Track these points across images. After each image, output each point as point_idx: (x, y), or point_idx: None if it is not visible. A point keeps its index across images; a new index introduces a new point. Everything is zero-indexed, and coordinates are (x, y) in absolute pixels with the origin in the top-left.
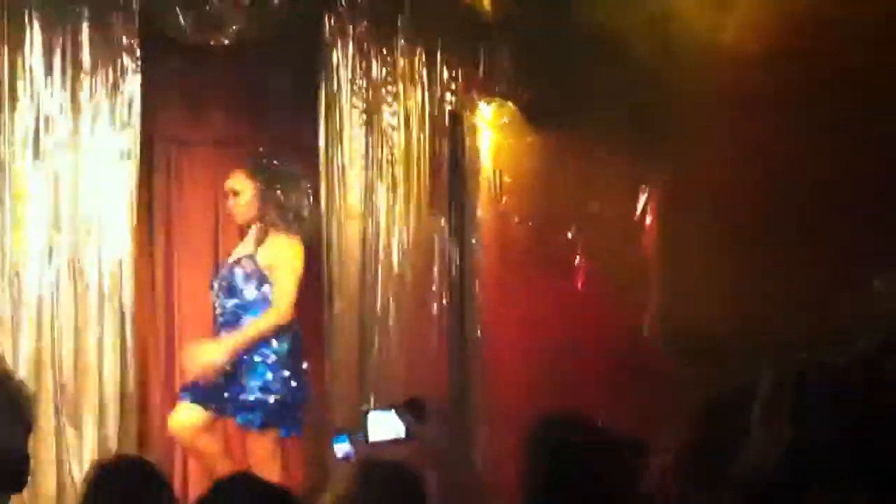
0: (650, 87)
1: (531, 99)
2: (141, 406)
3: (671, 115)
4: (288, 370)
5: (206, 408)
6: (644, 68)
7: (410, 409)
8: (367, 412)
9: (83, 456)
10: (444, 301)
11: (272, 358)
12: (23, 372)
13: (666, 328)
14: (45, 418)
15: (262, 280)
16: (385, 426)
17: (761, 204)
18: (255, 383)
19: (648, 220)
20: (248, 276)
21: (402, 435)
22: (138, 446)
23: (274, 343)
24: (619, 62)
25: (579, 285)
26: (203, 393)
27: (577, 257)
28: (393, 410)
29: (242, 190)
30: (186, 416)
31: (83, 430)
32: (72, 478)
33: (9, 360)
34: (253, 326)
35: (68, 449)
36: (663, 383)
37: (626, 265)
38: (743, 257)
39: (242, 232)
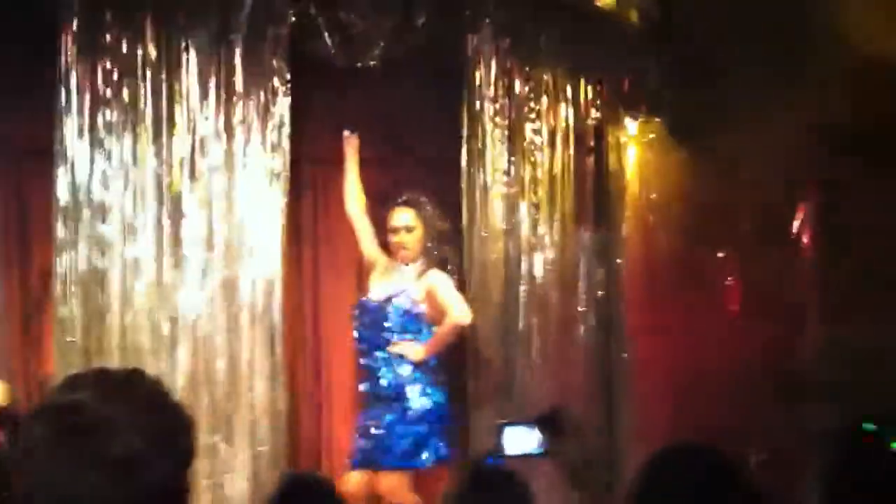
0: (805, 102)
1: (678, 115)
2: (291, 423)
3: (827, 131)
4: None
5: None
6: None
7: (548, 423)
8: (503, 425)
9: (236, 473)
10: (591, 321)
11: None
12: (179, 390)
13: (822, 352)
14: (201, 436)
15: (416, 312)
16: (522, 440)
17: None
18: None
19: (805, 239)
20: (405, 310)
21: (539, 449)
22: (288, 463)
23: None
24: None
25: (730, 306)
26: (368, 454)
27: (729, 277)
28: (530, 425)
29: (416, 226)
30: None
31: (236, 447)
32: (225, 494)
33: (166, 377)
34: (443, 329)
35: (222, 465)
36: (816, 408)
37: (781, 286)
38: None
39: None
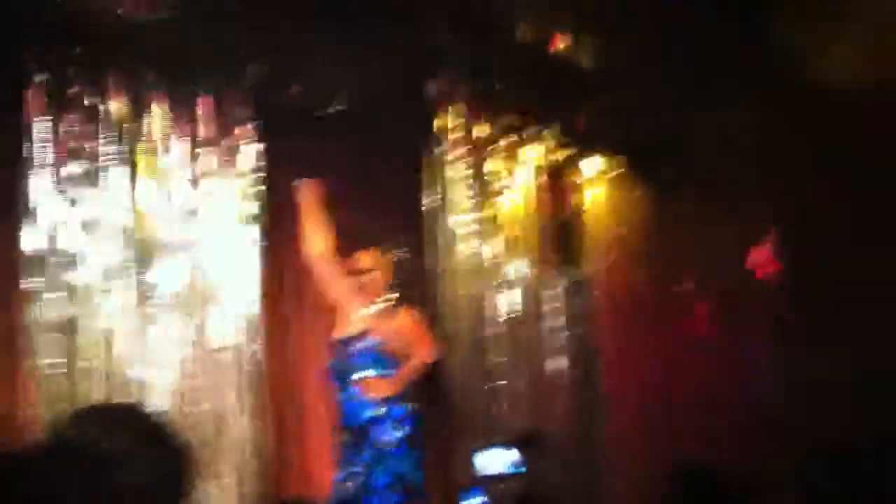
0: (764, 133)
1: (639, 151)
2: (276, 462)
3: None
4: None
5: None
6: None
7: (528, 444)
8: (485, 446)
9: None
10: (561, 355)
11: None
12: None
13: (790, 379)
14: None
15: (384, 350)
16: (502, 460)
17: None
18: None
19: (770, 268)
20: (373, 348)
21: (519, 468)
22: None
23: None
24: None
25: (698, 336)
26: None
27: (696, 308)
28: (510, 446)
29: (377, 267)
30: None
31: (223, 488)
32: None
33: None
34: (409, 366)
35: None
36: (785, 437)
37: (748, 315)
38: (870, 307)
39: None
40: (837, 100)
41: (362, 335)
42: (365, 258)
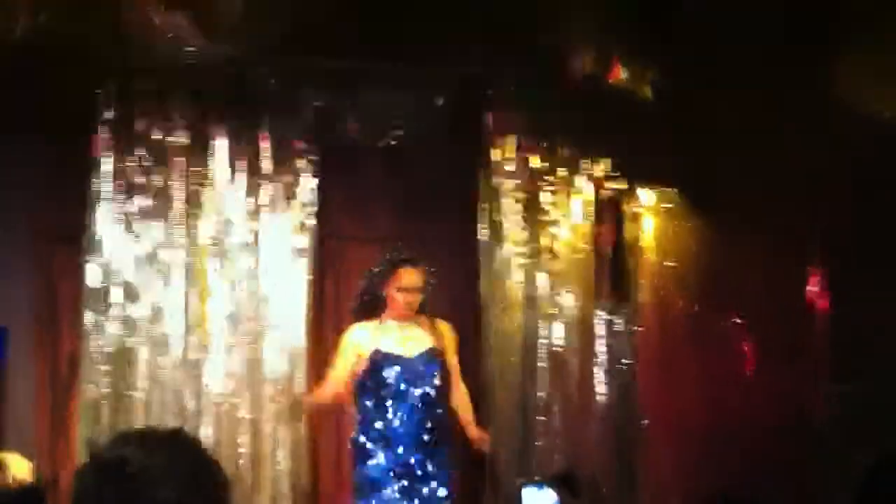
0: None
1: (691, 184)
2: (314, 496)
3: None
4: None
5: None
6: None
7: (565, 483)
8: (521, 485)
9: None
10: (607, 389)
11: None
12: None
13: (836, 415)
14: None
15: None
16: (539, 500)
17: None
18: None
19: (818, 303)
20: (436, 363)
21: None
22: None
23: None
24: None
25: (747, 371)
26: None
27: (745, 343)
28: (547, 484)
29: (423, 287)
30: None
31: None
32: None
33: None
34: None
35: None
36: (832, 472)
37: (797, 350)
38: None
39: None
40: (888, 133)
41: (431, 351)
42: (412, 277)
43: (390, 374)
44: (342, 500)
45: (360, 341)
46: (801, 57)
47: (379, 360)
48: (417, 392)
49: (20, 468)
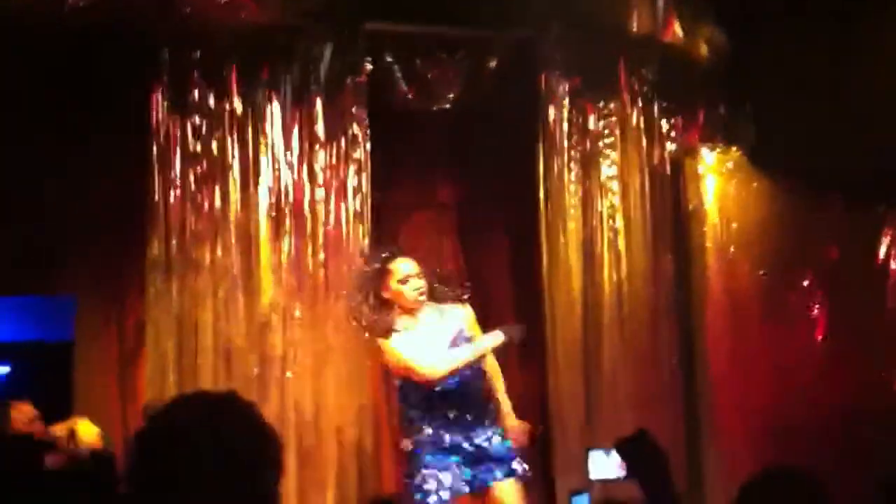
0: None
1: (756, 143)
2: (377, 465)
3: None
4: None
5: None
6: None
7: (633, 446)
8: (587, 450)
9: None
10: (673, 354)
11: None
12: None
13: None
14: (289, 478)
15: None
16: (607, 465)
17: None
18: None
19: (893, 266)
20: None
21: (622, 475)
22: None
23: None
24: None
25: (818, 337)
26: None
27: (815, 307)
28: (615, 450)
29: (419, 271)
30: None
31: (324, 488)
32: None
33: None
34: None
35: None
36: None
37: (869, 315)
38: None
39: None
40: None
41: (461, 332)
42: (406, 264)
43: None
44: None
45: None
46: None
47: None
48: (457, 380)
49: (89, 434)
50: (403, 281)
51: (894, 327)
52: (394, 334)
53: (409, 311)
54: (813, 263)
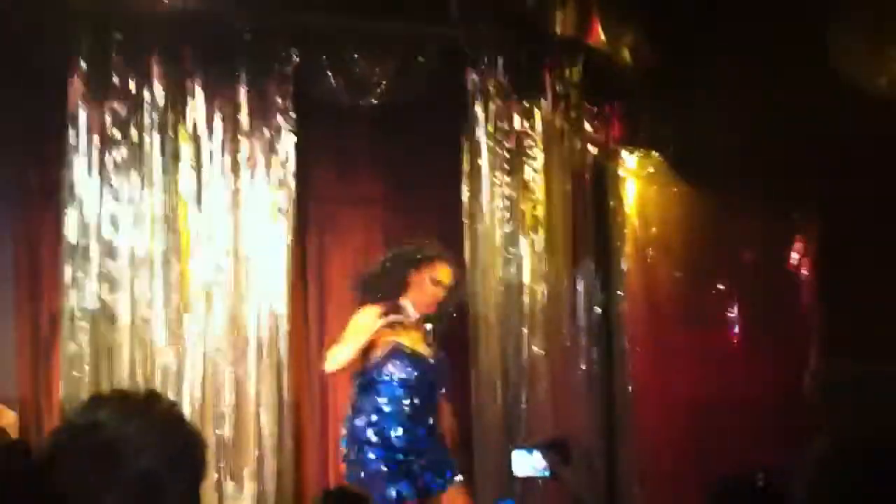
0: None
1: (675, 149)
2: (297, 459)
3: (825, 162)
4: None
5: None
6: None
7: (555, 449)
8: (511, 448)
9: None
10: (593, 354)
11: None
12: None
13: (826, 385)
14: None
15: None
16: (529, 463)
17: None
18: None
19: (804, 270)
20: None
21: (546, 473)
22: (295, 500)
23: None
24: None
25: (732, 338)
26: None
27: (730, 310)
28: (537, 449)
29: (449, 285)
30: None
31: (243, 483)
32: None
33: None
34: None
35: (229, 502)
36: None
37: (783, 317)
38: None
39: None
40: (884, 98)
41: (442, 359)
42: (447, 272)
43: (410, 373)
44: (325, 463)
45: (359, 323)
46: (801, 23)
47: (399, 356)
48: (429, 398)
49: (6, 420)
50: (436, 282)
51: (804, 328)
52: (379, 309)
53: (421, 307)
54: (729, 266)
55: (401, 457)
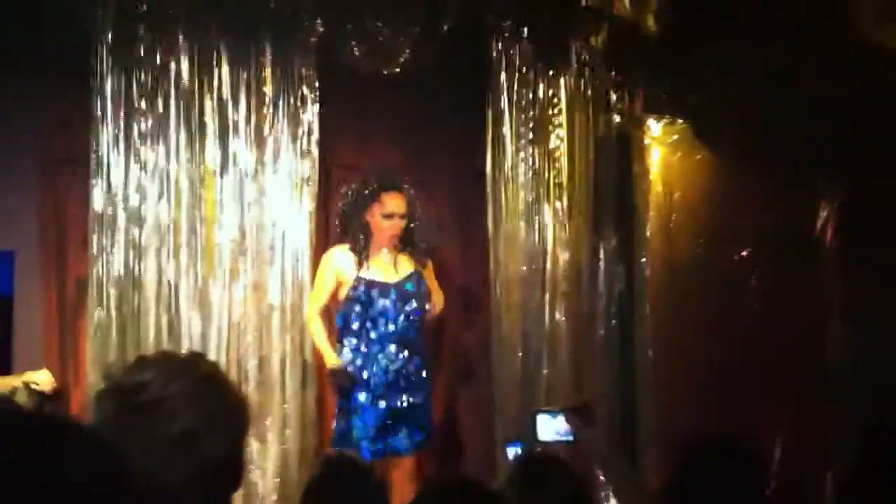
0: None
1: (700, 115)
2: (320, 420)
3: (850, 129)
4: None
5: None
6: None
7: (578, 413)
8: (535, 413)
9: (266, 469)
10: (612, 321)
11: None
12: None
13: (846, 353)
14: None
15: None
16: (552, 427)
17: None
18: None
19: (828, 236)
20: (423, 286)
21: (570, 437)
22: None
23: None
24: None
25: (754, 305)
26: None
27: (752, 277)
28: (561, 413)
29: (406, 212)
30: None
31: (267, 444)
32: (256, 489)
33: None
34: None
35: (253, 462)
36: (839, 411)
37: (805, 285)
38: None
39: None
40: None
41: (411, 277)
42: (395, 202)
43: (375, 301)
44: None
45: (341, 266)
46: None
47: (362, 287)
48: (401, 317)
49: (41, 377)
50: (386, 216)
51: (826, 295)
52: (337, 249)
53: (383, 245)
54: (751, 232)
55: (382, 404)
